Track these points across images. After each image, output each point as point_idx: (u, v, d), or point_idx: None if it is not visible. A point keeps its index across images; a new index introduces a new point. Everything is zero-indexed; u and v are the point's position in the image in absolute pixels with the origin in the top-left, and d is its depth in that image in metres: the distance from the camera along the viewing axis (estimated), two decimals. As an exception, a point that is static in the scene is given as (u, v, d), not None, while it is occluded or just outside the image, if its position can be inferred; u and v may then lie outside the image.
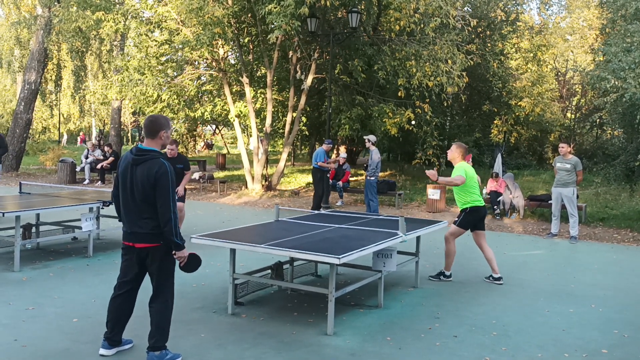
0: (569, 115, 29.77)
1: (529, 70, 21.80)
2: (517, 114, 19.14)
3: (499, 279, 7.01)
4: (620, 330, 5.30)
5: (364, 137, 12.56)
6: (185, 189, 8.91)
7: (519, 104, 18.69)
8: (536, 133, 25.19)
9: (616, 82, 11.43)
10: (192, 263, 4.32)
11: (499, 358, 4.53)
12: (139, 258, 4.21)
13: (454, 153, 6.96)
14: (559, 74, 29.58)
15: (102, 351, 4.29)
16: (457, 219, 7.02)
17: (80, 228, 7.76)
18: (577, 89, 29.22)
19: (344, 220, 6.93)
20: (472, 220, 6.95)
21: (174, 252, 4.17)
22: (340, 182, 14.72)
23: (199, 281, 6.61)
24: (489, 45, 19.38)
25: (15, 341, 4.57)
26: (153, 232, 4.12)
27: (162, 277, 4.22)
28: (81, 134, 39.69)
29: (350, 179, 17.91)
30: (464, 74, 14.58)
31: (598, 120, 21.80)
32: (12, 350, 4.37)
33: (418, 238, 6.80)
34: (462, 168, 6.86)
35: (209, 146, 42.45)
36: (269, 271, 6.02)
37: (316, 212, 8.12)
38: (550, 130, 25.97)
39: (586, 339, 5.05)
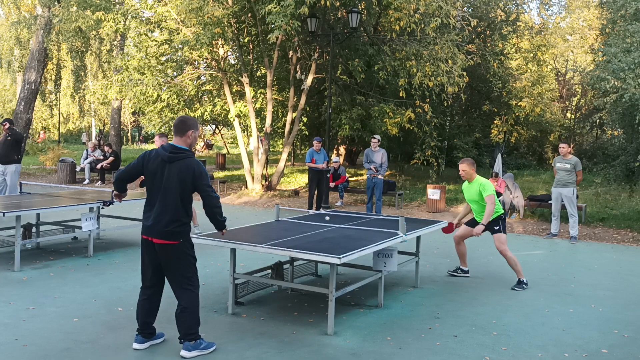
0: (568, 115, 29.78)
1: (529, 71, 21.80)
2: (517, 114, 19.14)
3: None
4: (620, 330, 5.31)
5: (374, 136, 12.54)
6: None
7: (519, 104, 18.69)
8: (536, 133, 25.19)
9: (616, 83, 11.44)
10: None
11: (499, 358, 4.53)
12: (155, 254, 4.34)
13: (470, 170, 6.87)
14: (559, 74, 29.59)
15: (136, 345, 4.41)
16: (497, 227, 6.85)
17: (80, 228, 7.76)
18: (577, 89, 29.23)
19: (344, 220, 6.94)
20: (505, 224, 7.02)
21: (223, 230, 4.61)
22: (338, 184, 14.71)
23: (200, 281, 6.60)
24: (489, 45, 19.38)
25: (16, 341, 4.57)
26: (174, 230, 4.28)
27: (183, 273, 4.38)
28: (42, 133, 38.89)
29: (351, 179, 17.91)
30: (465, 73, 14.59)
31: (598, 120, 21.80)
32: (13, 350, 4.38)
33: (418, 238, 6.80)
34: (489, 187, 6.76)
35: (209, 146, 42.44)
36: (269, 271, 6.02)
37: (316, 212, 8.13)
38: (550, 131, 25.98)
39: (586, 339, 5.06)
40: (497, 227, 6.84)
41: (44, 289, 6.11)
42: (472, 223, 7.13)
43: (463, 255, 7.29)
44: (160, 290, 4.50)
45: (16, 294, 5.86)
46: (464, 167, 6.86)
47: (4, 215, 6.73)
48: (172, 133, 4.46)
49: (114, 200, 4.93)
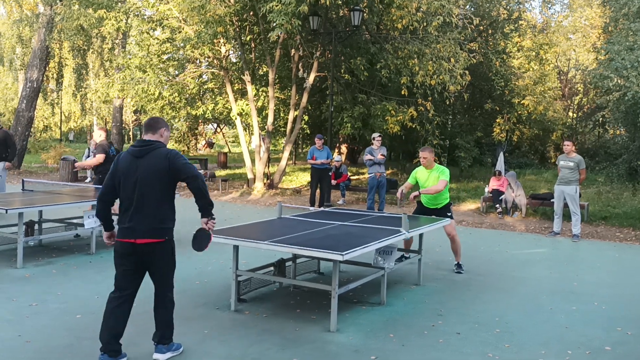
0: (570, 114, 29.73)
1: (531, 69, 21.77)
2: (519, 112, 19.12)
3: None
4: (623, 328, 5.29)
5: (378, 134, 12.45)
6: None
7: (521, 102, 18.67)
8: (538, 132, 25.16)
9: (619, 81, 11.43)
10: (204, 238, 4.26)
11: (502, 355, 4.52)
12: (138, 257, 4.09)
13: (431, 157, 7.33)
14: (561, 72, 29.54)
15: None
16: (449, 213, 7.38)
17: (82, 225, 7.76)
18: (579, 88, 29.18)
19: (347, 217, 6.93)
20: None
21: (208, 220, 4.17)
22: (340, 182, 14.69)
23: (202, 278, 6.61)
24: (491, 43, 19.36)
25: (19, 337, 4.57)
26: (158, 227, 4.06)
27: (166, 274, 4.20)
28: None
29: (353, 177, 17.90)
30: (467, 72, 14.57)
31: (600, 119, 21.78)
32: (16, 346, 4.38)
33: (421, 236, 6.79)
34: (448, 174, 7.25)
35: (210, 145, 42.42)
36: (272, 268, 6.02)
37: (319, 209, 8.12)
38: (552, 129, 25.93)
39: (589, 336, 5.05)
40: (449, 214, 7.34)
41: (46, 285, 6.11)
42: (420, 209, 7.43)
43: (460, 247, 7.52)
44: (133, 297, 4.18)
45: (19, 291, 5.87)
46: (426, 154, 7.28)
47: (7, 212, 6.74)
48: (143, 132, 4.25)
49: (107, 243, 4.38)
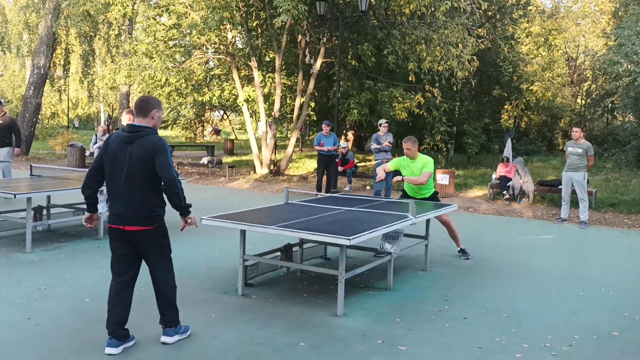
0: (579, 100, 29.50)
1: (540, 55, 21.58)
2: (527, 98, 18.99)
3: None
4: (630, 314, 5.28)
5: (384, 121, 12.38)
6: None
7: (530, 88, 18.53)
8: (546, 118, 24.99)
9: (629, 66, 11.32)
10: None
11: (509, 340, 4.53)
12: (129, 243, 4.06)
13: (414, 148, 7.25)
14: (570, 58, 29.27)
15: (110, 350, 4.00)
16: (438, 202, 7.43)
17: (90, 210, 7.78)
18: (588, 74, 28.92)
19: (354, 203, 6.92)
20: None
21: (186, 218, 4.11)
22: (347, 169, 14.66)
23: (209, 263, 6.64)
24: (499, 29, 19.19)
25: (29, 320, 4.62)
26: (146, 215, 4.00)
27: (160, 259, 4.15)
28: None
29: (359, 164, 17.88)
30: (475, 58, 14.46)
31: (609, 105, 21.60)
32: (25, 329, 4.42)
33: (428, 221, 6.78)
34: (432, 165, 7.22)
35: (217, 132, 42.41)
36: (279, 253, 6.03)
37: (326, 194, 8.12)
38: (560, 116, 25.76)
39: (597, 321, 5.04)
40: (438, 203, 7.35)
41: (55, 270, 6.16)
42: (404, 197, 7.38)
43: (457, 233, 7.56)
44: (133, 282, 4.16)
45: (28, 275, 5.91)
46: (409, 145, 7.23)
47: (15, 197, 6.78)
48: (134, 115, 4.13)
49: (86, 224, 4.29)
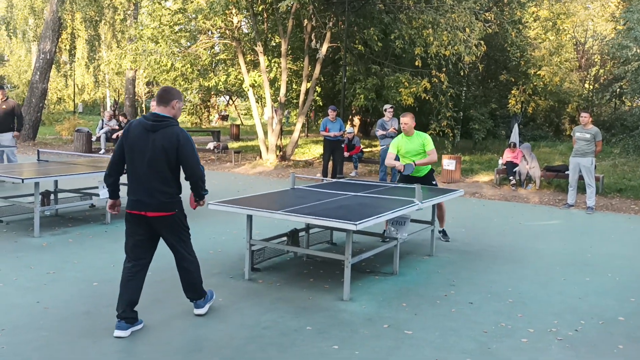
0: (587, 85, 29.24)
1: (548, 40, 21.36)
2: (535, 83, 18.84)
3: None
4: (637, 299, 5.28)
5: (389, 106, 12.33)
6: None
7: (537, 73, 18.38)
8: (554, 104, 24.79)
9: (638, 50, 11.20)
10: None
11: (515, 324, 4.54)
12: (149, 228, 4.18)
13: (412, 123, 7.21)
14: (578, 43, 28.97)
15: (119, 333, 4.05)
16: (434, 182, 7.44)
17: (97, 195, 7.83)
18: (596, 59, 28.63)
19: (360, 188, 6.92)
20: None
21: (200, 201, 4.39)
22: (353, 154, 14.63)
23: (216, 248, 6.67)
24: (507, 13, 18.98)
25: (38, 303, 4.66)
26: (167, 201, 4.13)
27: (181, 241, 4.30)
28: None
29: (365, 149, 17.84)
30: (482, 42, 14.33)
31: (618, 90, 21.40)
32: (35, 312, 4.47)
33: (434, 207, 6.78)
34: (429, 139, 7.20)
35: (224, 117, 42.32)
36: (285, 238, 6.05)
37: (332, 180, 8.12)
38: (568, 101, 25.55)
39: (603, 306, 5.05)
40: (434, 182, 7.43)
41: (63, 254, 6.20)
42: (403, 178, 7.33)
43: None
44: (147, 266, 4.27)
45: (36, 259, 5.96)
46: (407, 120, 7.16)
47: (23, 182, 6.81)
48: (155, 104, 4.25)
49: (110, 211, 4.40)
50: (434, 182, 7.40)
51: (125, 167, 4.23)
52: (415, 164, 7.09)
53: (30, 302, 4.69)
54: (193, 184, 4.28)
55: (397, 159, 7.26)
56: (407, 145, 7.21)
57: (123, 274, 4.20)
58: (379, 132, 12.10)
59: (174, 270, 5.61)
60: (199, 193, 4.33)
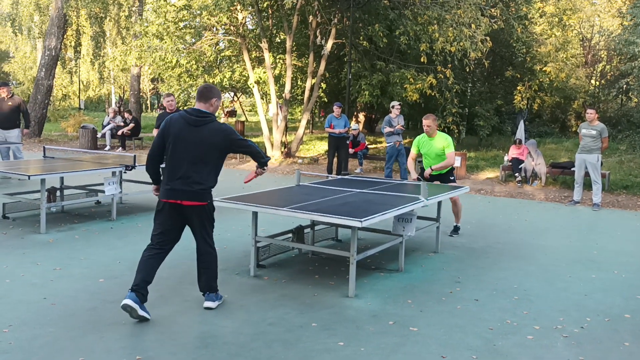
0: (593, 82, 29.10)
1: (554, 35, 21.25)
2: (540, 79, 18.75)
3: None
4: (643, 296, 5.26)
5: (397, 103, 12.31)
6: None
7: (543, 69, 18.29)
8: (559, 100, 24.68)
9: (645, 47, 11.13)
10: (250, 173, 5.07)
11: (520, 321, 4.53)
12: (181, 216, 4.41)
13: (434, 125, 7.37)
14: (584, 39, 28.82)
15: (128, 301, 4.17)
16: (452, 177, 7.59)
17: (103, 192, 7.86)
18: (603, 55, 28.48)
19: (366, 185, 6.92)
20: None
21: (261, 169, 4.89)
22: (358, 151, 14.62)
23: (221, 244, 6.68)
24: (512, 9, 18.90)
25: (45, 299, 4.68)
26: (202, 192, 4.38)
27: (207, 231, 4.53)
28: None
29: (370, 146, 17.82)
30: (488, 38, 14.28)
31: (624, 86, 21.30)
32: (41, 308, 4.49)
33: (439, 203, 6.77)
34: (449, 140, 7.33)
35: (232, 113, 42.28)
36: (290, 235, 6.05)
37: (337, 176, 8.12)
38: (574, 97, 25.44)
39: (608, 304, 5.03)
40: (452, 177, 7.57)
41: (69, 250, 6.23)
42: (422, 176, 7.50)
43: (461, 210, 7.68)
44: (167, 253, 4.48)
45: (43, 255, 5.99)
46: (430, 122, 7.32)
47: (29, 178, 6.84)
48: (195, 100, 4.53)
49: (156, 194, 4.65)
50: (452, 178, 7.54)
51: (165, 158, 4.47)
52: (432, 169, 7.33)
53: (36, 298, 4.72)
54: (254, 158, 4.76)
55: (405, 156, 7.44)
56: (428, 145, 7.39)
57: (143, 253, 4.41)
58: (386, 129, 12.08)
59: (180, 267, 5.64)
60: (261, 162, 4.81)
